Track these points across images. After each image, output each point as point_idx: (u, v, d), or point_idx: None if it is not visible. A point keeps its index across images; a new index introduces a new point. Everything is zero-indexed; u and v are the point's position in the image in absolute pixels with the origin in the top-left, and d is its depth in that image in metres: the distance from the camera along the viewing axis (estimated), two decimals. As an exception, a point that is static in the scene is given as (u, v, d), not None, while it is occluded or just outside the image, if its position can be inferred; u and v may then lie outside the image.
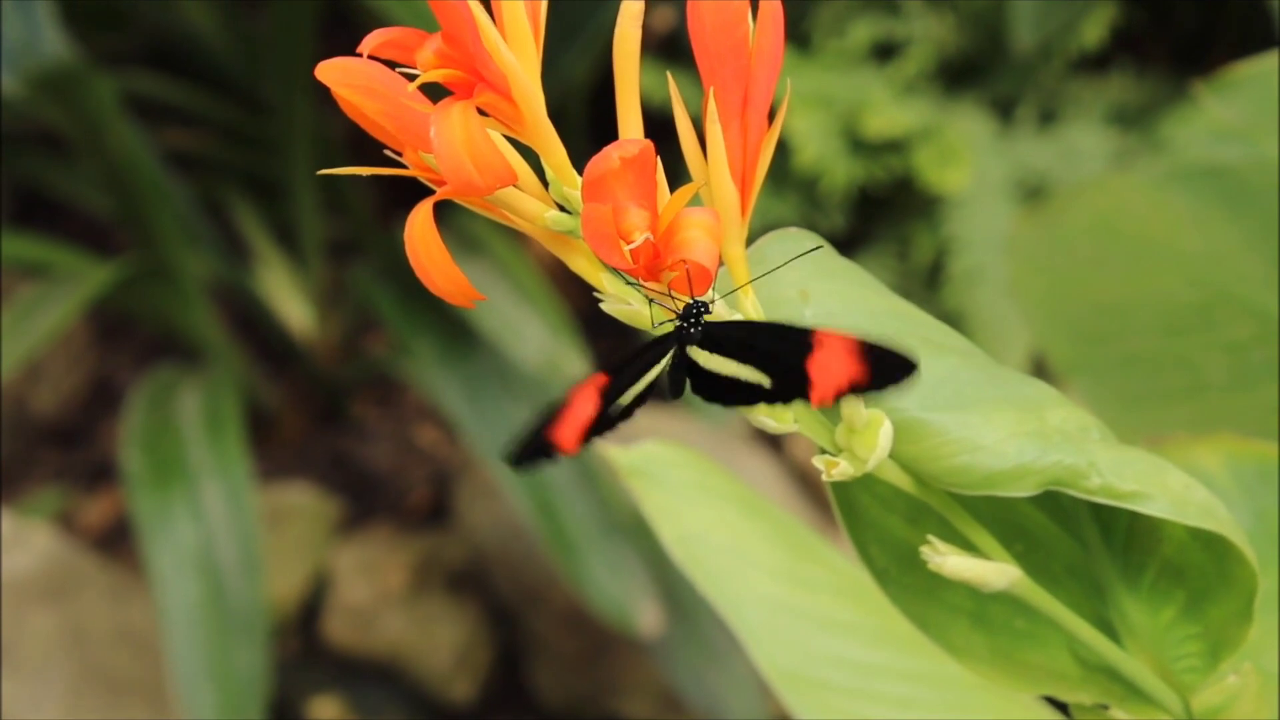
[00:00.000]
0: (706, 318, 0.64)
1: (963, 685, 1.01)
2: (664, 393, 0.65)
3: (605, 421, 0.64)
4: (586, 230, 0.59)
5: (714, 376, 0.64)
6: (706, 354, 0.64)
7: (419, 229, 0.61)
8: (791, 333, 0.63)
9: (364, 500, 2.51)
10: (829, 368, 0.61)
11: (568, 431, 0.63)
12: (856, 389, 0.61)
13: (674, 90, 0.66)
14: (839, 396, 0.62)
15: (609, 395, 0.64)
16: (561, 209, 0.63)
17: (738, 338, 0.63)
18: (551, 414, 0.63)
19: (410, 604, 2.35)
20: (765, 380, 0.63)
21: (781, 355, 0.62)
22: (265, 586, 2.01)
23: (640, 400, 0.65)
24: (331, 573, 2.38)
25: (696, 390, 0.64)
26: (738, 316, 0.65)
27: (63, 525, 2.47)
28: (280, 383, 2.62)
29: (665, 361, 0.64)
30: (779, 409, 0.65)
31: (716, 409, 2.21)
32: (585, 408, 0.63)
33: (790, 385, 0.62)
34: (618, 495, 2.05)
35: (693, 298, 0.63)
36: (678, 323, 0.64)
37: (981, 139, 2.42)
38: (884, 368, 0.61)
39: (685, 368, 0.64)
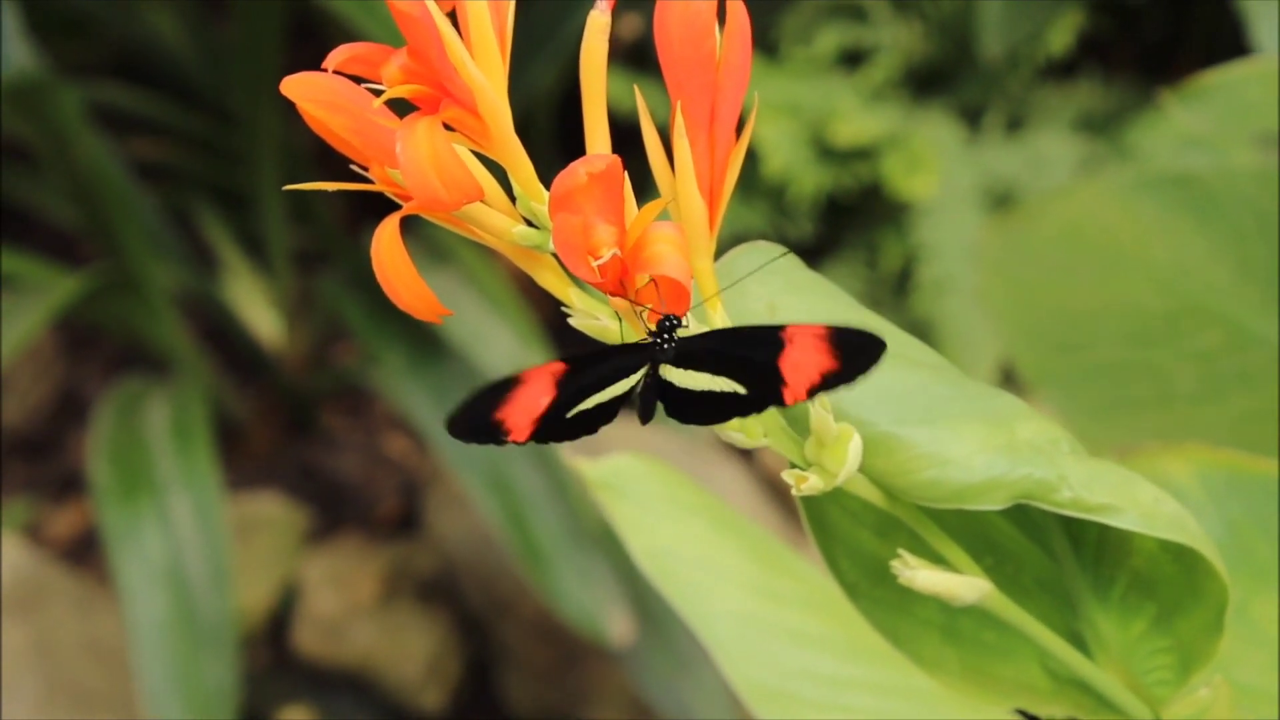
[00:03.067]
0: (679, 332, 0.63)
1: (933, 698, 1.01)
2: (633, 411, 0.65)
3: (563, 423, 0.64)
4: (558, 241, 0.58)
5: (688, 394, 0.63)
6: (680, 371, 0.63)
7: (385, 244, 0.61)
8: (762, 333, 0.62)
9: (333, 510, 2.51)
10: (801, 364, 0.61)
11: (518, 417, 0.63)
12: (829, 381, 0.61)
13: (641, 103, 0.65)
14: (813, 392, 0.61)
15: (566, 389, 0.63)
16: (529, 224, 0.63)
17: (710, 348, 0.63)
18: (501, 390, 0.63)
19: (380, 614, 2.34)
20: (740, 388, 0.63)
21: (755, 358, 0.62)
22: (234, 597, 2.00)
23: (605, 414, 0.64)
24: (301, 583, 2.37)
25: (671, 412, 0.64)
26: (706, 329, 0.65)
27: (30, 537, 2.46)
28: (249, 393, 2.62)
29: (636, 378, 0.64)
30: (750, 423, 0.65)
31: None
32: (539, 396, 0.63)
33: (765, 389, 0.62)
34: (587, 505, 2.04)
35: (665, 314, 0.62)
36: (650, 338, 0.63)
37: (949, 146, 2.43)
38: (854, 354, 0.61)
39: (656, 389, 0.64)
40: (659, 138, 0.65)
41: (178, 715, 1.91)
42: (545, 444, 0.64)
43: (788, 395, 0.62)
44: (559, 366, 0.63)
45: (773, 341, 0.62)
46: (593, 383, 0.64)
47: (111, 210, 2.21)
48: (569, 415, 0.64)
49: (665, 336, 0.63)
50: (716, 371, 0.63)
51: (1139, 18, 2.73)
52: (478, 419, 0.63)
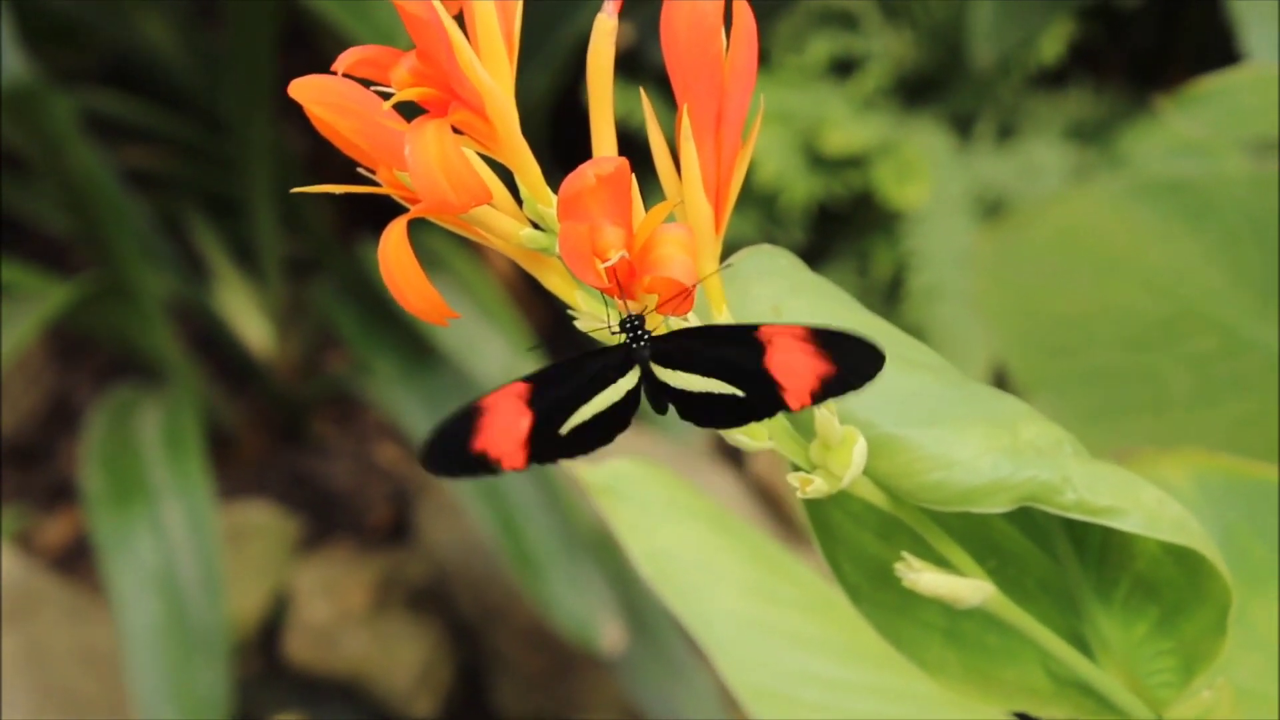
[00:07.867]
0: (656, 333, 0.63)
1: (932, 701, 1.01)
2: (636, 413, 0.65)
3: (560, 440, 0.63)
4: (564, 249, 0.58)
5: (689, 396, 0.63)
6: (670, 372, 0.63)
7: (393, 247, 0.61)
8: (736, 333, 0.62)
9: (324, 519, 2.50)
10: (791, 367, 0.61)
11: (502, 444, 0.62)
12: (829, 387, 0.61)
13: (646, 105, 0.65)
14: (816, 399, 0.61)
15: (542, 405, 0.63)
16: (535, 226, 0.63)
17: (686, 347, 0.63)
18: (466, 421, 0.62)
19: (371, 622, 2.34)
20: (737, 391, 0.62)
21: (736, 360, 0.62)
22: (226, 605, 2.00)
23: (614, 422, 0.64)
24: (292, 591, 2.37)
25: (683, 415, 0.64)
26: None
27: (21, 545, 2.45)
28: (240, 401, 2.61)
29: (628, 381, 0.64)
30: (755, 425, 0.65)
31: (680, 425, 2.21)
32: (514, 419, 0.62)
33: (763, 394, 0.62)
34: (580, 512, 2.04)
35: (629, 314, 0.62)
36: (624, 338, 0.63)
37: (940, 154, 2.43)
38: (848, 357, 0.60)
39: (663, 389, 0.64)
40: (665, 142, 0.65)
41: (170, 722, 1.91)
42: (551, 463, 0.63)
43: (790, 400, 0.61)
44: (522, 387, 0.62)
45: (749, 342, 0.61)
46: (573, 393, 0.63)
47: (103, 218, 2.21)
48: (564, 431, 0.63)
49: (634, 335, 0.62)
50: (706, 373, 0.63)
51: (1129, 26, 2.73)
52: (452, 453, 0.62)
